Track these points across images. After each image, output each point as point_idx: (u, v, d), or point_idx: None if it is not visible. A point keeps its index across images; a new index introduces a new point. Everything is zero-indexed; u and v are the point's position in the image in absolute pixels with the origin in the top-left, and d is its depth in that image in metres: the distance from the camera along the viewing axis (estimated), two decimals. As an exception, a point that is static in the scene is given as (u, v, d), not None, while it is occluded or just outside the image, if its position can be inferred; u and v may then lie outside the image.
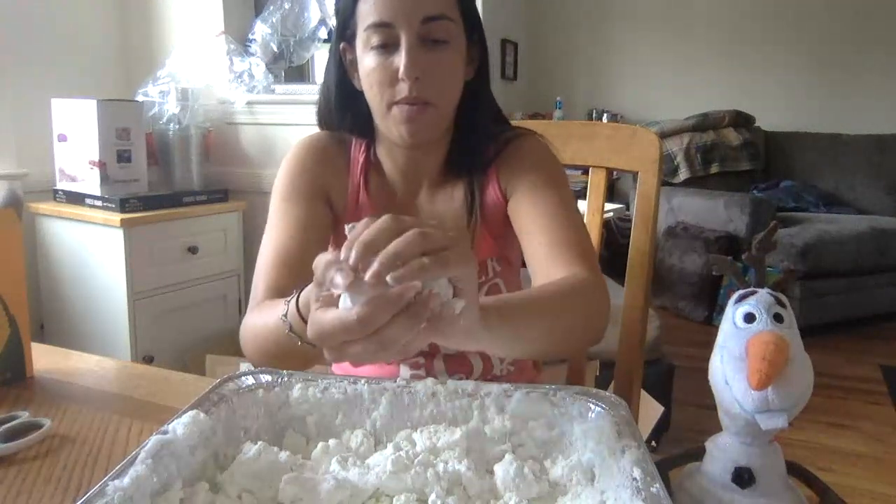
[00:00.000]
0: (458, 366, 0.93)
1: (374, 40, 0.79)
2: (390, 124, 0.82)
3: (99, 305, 2.15)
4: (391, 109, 0.81)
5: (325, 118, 0.93)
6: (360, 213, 0.91)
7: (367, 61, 0.81)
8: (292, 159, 0.92)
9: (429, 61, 0.79)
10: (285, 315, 0.66)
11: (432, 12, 0.78)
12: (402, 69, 0.77)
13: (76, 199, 2.19)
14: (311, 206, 0.88)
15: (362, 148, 0.93)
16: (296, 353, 0.67)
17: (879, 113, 4.21)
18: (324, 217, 0.89)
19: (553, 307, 0.69)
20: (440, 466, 0.54)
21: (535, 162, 0.89)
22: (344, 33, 0.85)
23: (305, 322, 0.62)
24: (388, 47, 0.79)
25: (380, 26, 0.78)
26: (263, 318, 0.74)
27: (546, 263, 0.80)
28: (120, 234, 2.05)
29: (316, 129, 0.97)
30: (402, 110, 0.80)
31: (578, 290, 0.73)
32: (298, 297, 0.64)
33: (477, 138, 0.90)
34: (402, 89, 0.79)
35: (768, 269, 0.57)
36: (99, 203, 2.12)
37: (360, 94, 0.85)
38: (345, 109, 0.90)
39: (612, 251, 3.43)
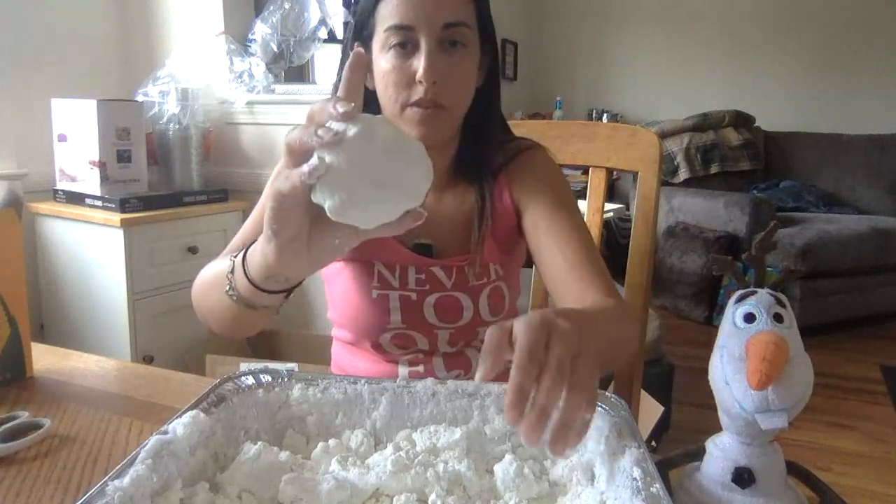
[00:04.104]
0: (456, 364, 0.93)
1: (393, 42, 0.80)
2: (403, 125, 0.83)
3: (99, 305, 2.15)
4: (405, 111, 0.82)
5: None
6: None
7: (383, 62, 0.81)
8: None
9: (446, 66, 0.80)
10: (231, 271, 0.67)
11: (452, 18, 0.80)
12: (420, 72, 0.79)
13: (76, 199, 2.19)
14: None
15: None
16: (234, 312, 0.69)
17: (879, 113, 4.21)
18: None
19: (609, 320, 0.70)
20: (440, 466, 0.54)
21: (548, 181, 0.91)
22: (361, 33, 0.86)
23: (248, 279, 0.64)
24: (406, 50, 0.80)
25: (400, 28, 0.79)
26: (211, 270, 0.76)
27: (567, 282, 0.82)
28: (120, 234, 2.05)
29: None
30: (417, 112, 0.81)
31: (618, 310, 0.75)
32: (245, 253, 0.66)
33: (485, 143, 0.91)
34: (419, 92, 0.80)
35: (768, 269, 0.57)
36: (99, 203, 2.12)
37: (372, 93, 0.87)
38: None
39: (612, 251, 3.43)
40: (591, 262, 0.83)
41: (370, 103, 0.88)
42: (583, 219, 0.90)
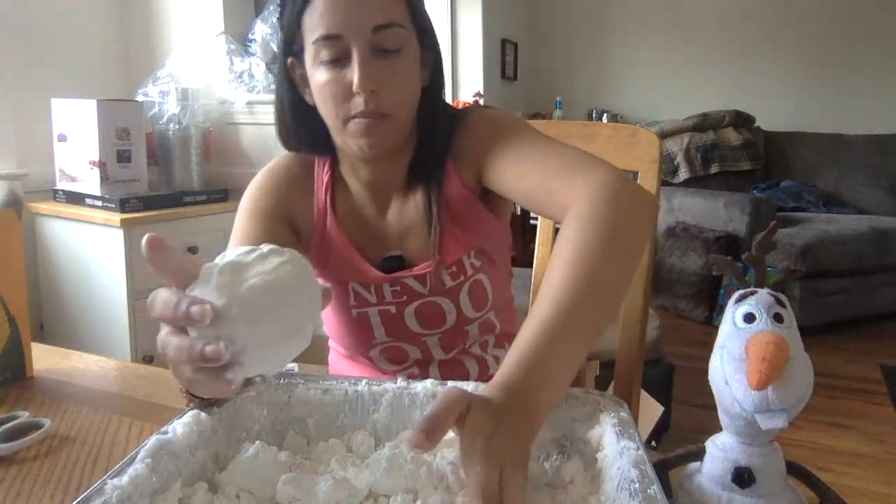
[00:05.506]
0: (453, 372, 0.92)
1: (324, 54, 0.75)
2: (348, 139, 0.79)
3: (99, 305, 2.15)
4: (348, 124, 0.77)
5: (284, 136, 0.89)
6: (328, 235, 0.88)
7: (318, 76, 0.76)
8: (257, 181, 0.89)
9: (383, 72, 0.75)
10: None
11: (382, 20, 0.74)
12: (355, 83, 0.74)
13: (76, 199, 2.19)
14: (271, 228, 0.84)
15: (326, 167, 0.89)
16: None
17: (879, 113, 4.20)
18: (283, 241, 0.83)
19: (592, 282, 0.61)
20: (435, 465, 0.54)
21: (487, 132, 0.83)
22: (291, 48, 0.80)
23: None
24: (338, 60, 0.75)
25: (328, 39, 0.74)
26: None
27: (551, 186, 0.74)
28: (120, 234, 2.05)
29: None
30: (360, 124, 0.76)
31: (593, 229, 0.64)
32: None
33: (438, 143, 0.86)
34: (358, 103, 0.75)
35: (768, 269, 0.57)
36: (99, 203, 2.12)
37: (314, 109, 0.81)
38: (300, 126, 0.86)
39: (612, 251, 3.42)
40: (560, 154, 0.76)
41: (314, 118, 0.83)
42: (539, 133, 0.82)
